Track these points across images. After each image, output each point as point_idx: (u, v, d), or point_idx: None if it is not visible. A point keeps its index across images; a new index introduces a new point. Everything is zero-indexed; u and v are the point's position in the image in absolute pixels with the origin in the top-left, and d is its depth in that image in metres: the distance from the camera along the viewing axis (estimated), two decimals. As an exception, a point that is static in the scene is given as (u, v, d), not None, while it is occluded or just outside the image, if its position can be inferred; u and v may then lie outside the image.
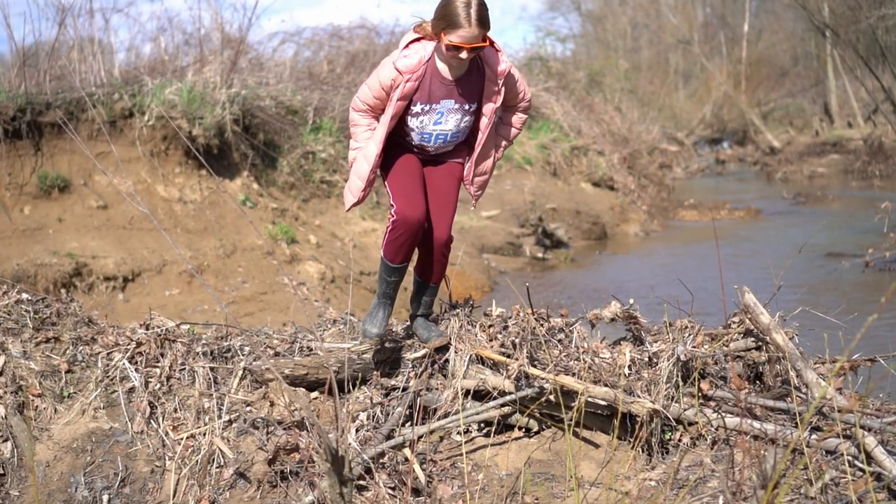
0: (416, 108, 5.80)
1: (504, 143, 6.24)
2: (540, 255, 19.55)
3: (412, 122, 5.86)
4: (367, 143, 5.92)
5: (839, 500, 4.80)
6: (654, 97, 47.39)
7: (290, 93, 18.80)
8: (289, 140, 17.92)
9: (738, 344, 6.02)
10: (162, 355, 6.35)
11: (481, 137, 5.96)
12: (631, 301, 6.31)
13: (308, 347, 6.45)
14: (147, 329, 6.61)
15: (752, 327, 5.94)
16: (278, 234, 15.13)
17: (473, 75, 5.76)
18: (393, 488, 5.57)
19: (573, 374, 5.83)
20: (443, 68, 5.71)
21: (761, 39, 55.17)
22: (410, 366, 6.17)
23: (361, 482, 5.56)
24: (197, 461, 5.84)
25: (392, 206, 5.83)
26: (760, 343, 5.93)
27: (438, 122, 5.85)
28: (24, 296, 6.77)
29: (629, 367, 5.92)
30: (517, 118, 6.20)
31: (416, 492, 5.64)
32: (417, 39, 5.75)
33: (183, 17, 40.07)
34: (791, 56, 55.10)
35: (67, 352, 6.33)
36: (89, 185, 14.33)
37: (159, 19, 40.44)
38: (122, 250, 13.37)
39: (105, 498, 5.70)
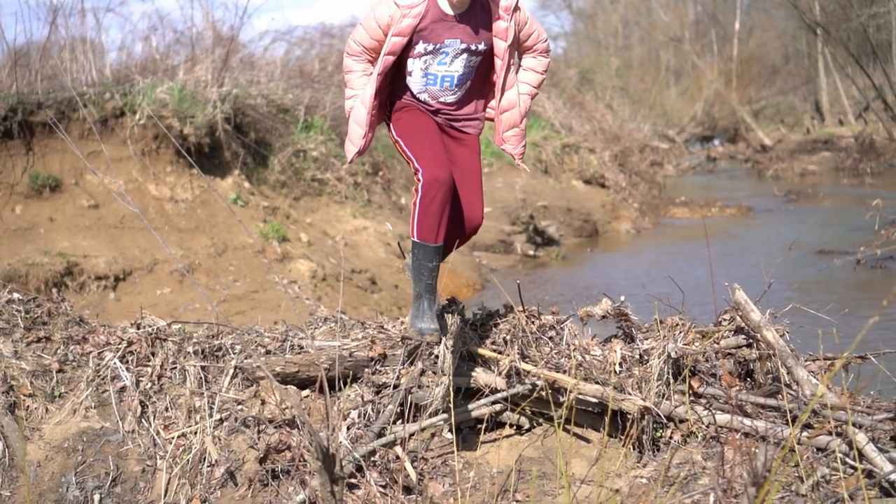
0: (419, 49, 5.45)
1: (529, 90, 5.70)
2: (531, 252, 19.56)
3: (415, 65, 5.52)
4: (364, 88, 5.54)
5: (830, 497, 4.81)
6: (645, 95, 47.38)
7: (281, 91, 18.80)
8: (280, 139, 17.92)
9: (728, 341, 6.03)
10: (153, 354, 6.35)
11: (500, 80, 5.54)
12: (622, 298, 6.32)
13: (299, 346, 6.44)
14: (138, 328, 6.60)
15: (743, 325, 5.96)
16: (269, 233, 15.11)
17: (478, 12, 5.42)
18: (384, 486, 5.57)
19: (564, 372, 5.84)
20: (444, 4, 5.38)
21: (752, 37, 55.20)
22: (401, 363, 6.17)
23: (352, 480, 5.56)
24: (188, 460, 5.83)
25: (417, 169, 5.33)
26: (751, 340, 5.95)
27: (443, 62, 5.48)
28: (16, 295, 6.76)
29: (620, 364, 5.93)
30: (537, 62, 5.74)
31: (408, 490, 5.65)
32: None
33: (174, 16, 40.19)
34: (782, 54, 55.13)
35: (58, 351, 6.32)
36: (80, 184, 14.31)
37: (150, 18, 40.29)
38: (114, 249, 13.35)
39: (96, 497, 5.70)
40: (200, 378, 6.21)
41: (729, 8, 55.39)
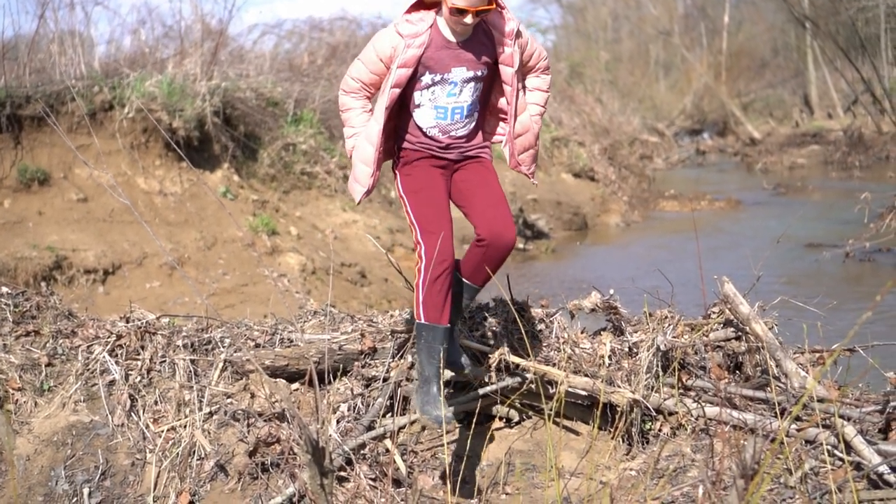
0: (426, 80, 5.29)
1: (538, 110, 5.62)
2: (521, 245, 19.55)
3: (423, 97, 5.35)
4: (366, 125, 5.37)
5: (818, 489, 4.83)
6: (634, 88, 47.47)
7: (270, 85, 18.80)
8: (269, 132, 17.91)
9: (717, 334, 6.04)
10: (142, 348, 6.34)
11: (511, 106, 5.42)
12: (611, 291, 6.32)
13: (289, 339, 6.44)
14: (127, 322, 6.59)
15: (732, 317, 5.97)
16: (259, 226, 15.11)
17: (480, 38, 5.30)
18: (374, 479, 5.58)
19: (554, 365, 5.84)
20: (446, 32, 5.24)
21: (741, 31, 55.28)
22: (391, 356, 6.17)
23: (342, 473, 5.56)
24: (177, 453, 5.83)
25: (419, 243, 5.19)
26: (740, 333, 5.96)
27: (452, 93, 5.31)
28: (4, 289, 6.74)
29: (609, 357, 5.94)
30: (541, 80, 5.66)
31: (397, 483, 5.65)
32: (418, 4, 5.30)
33: (163, 9, 40.14)
34: (771, 47, 55.16)
35: (47, 345, 6.31)
36: (69, 178, 14.30)
37: (139, 12, 40.27)
38: (103, 243, 13.33)
39: (85, 491, 5.70)
40: (190, 371, 6.20)
41: (718, 1, 55.43)
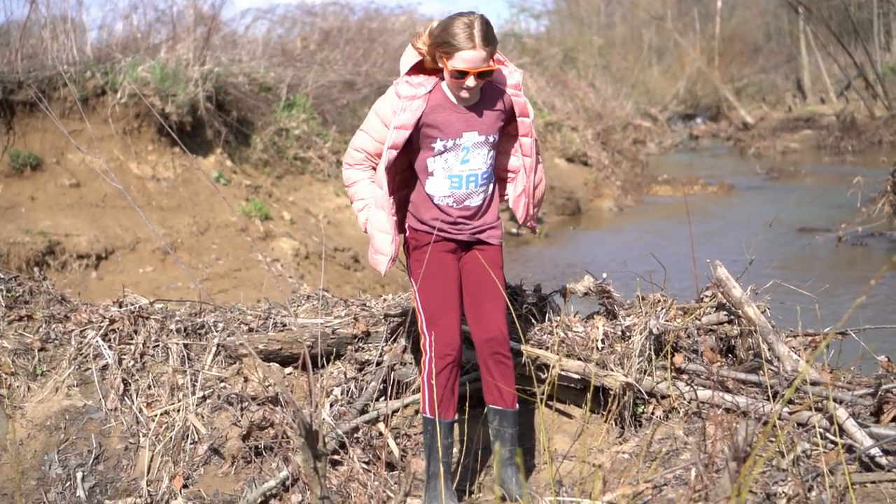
0: (438, 146, 5.09)
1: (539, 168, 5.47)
2: (514, 230, 19.56)
3: (436, 164, 5.15)
4: (374, 195, 5.20)
5: (811, 471, 4.84)
6: (627, 73, 47.39)
7: (263, 70, 18.78)
8: (262, 117, 17.91)
9: (710, 318, 6.05)
10: (135, 332, 6.33)
11: (531, 158, 5.29)
12: (604, 275, 6.32)
13: (282, 323, 6.44)
14: (120, 306, 6.58)
15: (725, 301, 5.97)
16: (252, 211, 15.11)
17: (489, 98, 5.15)
18: (367, 463, 5.58)
19: (546, 348, 5.85)
20: (454, 98, 5.10)
21: (734, 15, 55.30)
22: (384, 340, 6.18)
23: (336, 457, 5.57)
24: (171, 438, 5.83)
25: (425, 336, 5.09)
26: (733, 317, 5.96)
27: (466, 160, 5.11)
28: (-3, 274, 6.74)
29: (602, 340, 5.94)
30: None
31: (391, 466, 5.67)
32: (417, 68, 5.16)
33: (155, -7, 39.81)
34: (764, 32, 55.21)
35: (40, 330, 6.31)
36: (62, 163, 14.29)
37: (131, -4, 40.16)
38: (95, 228, 13.33)
39: (79, 475, 5.70)
40: (183, 356, 6.20)
41: (711, -14, 55.42)
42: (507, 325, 5.22)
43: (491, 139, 5.17)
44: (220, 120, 16.49)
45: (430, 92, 5.08)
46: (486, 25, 4.92)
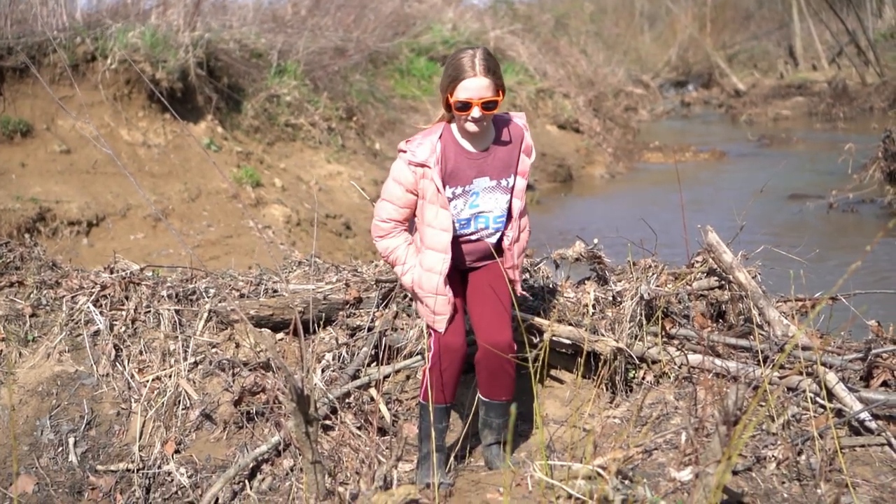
0: (448, 193, 4.99)
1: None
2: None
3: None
4: (423, 253, 5.05)
5: (800, 435, 4.86)
6: (619, 40, 47.29)
7: (253, 36, 18.72)
8: (253, 83, 17.86)
9: (701, 283, 6.06)
10: (127, 298, 6.34)
11: (515, 220, 5.19)
12: (595, 241, 6.32)
13: (273, 289, 6.45)
14: (112, 272, 6.59)
15: (716, 266, 5.98)
16: (243, 178, 15.09)
17: (503, 142, 5.08)
18: (359, 428, 5.61)
19: (538, 313, 5.86)
20: (465, 143, 5.00)
21: (726, -18, 55.11)
22: (375, 306, 6.19)
23: (327, 422, 5.59)
24: (163, 403, 5.85)
25: (430, 333, 5.12)
26: (723, 282, 5.98)
27: (475, 204, 5.06)
28: (-13, 240, 6.73)
29: (593, 306, 5.96)
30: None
31: (382, 431, 5.69)
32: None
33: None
34: (756, -2, 55.05)
35: (31, 296, 6.31)
36: (52, 129, 14.24)
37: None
38: (86, 195, 13.29)
39: (71, 441, 5.71)
40: (174, 321, 6.21)
41: (703, -48, 55.19)
42: (512, 332, 5.16)
43: (504, 183, 5.10)
44: (210, 86, 16.43)
45: (439, 139, 4.97)
46: (487, 55, 4.87)
